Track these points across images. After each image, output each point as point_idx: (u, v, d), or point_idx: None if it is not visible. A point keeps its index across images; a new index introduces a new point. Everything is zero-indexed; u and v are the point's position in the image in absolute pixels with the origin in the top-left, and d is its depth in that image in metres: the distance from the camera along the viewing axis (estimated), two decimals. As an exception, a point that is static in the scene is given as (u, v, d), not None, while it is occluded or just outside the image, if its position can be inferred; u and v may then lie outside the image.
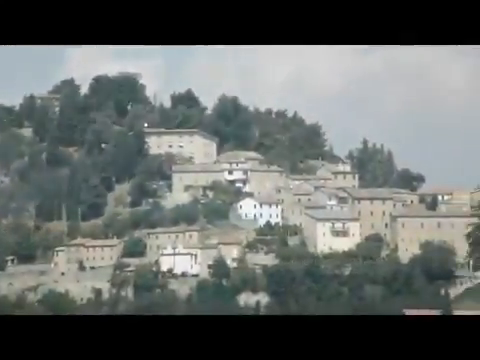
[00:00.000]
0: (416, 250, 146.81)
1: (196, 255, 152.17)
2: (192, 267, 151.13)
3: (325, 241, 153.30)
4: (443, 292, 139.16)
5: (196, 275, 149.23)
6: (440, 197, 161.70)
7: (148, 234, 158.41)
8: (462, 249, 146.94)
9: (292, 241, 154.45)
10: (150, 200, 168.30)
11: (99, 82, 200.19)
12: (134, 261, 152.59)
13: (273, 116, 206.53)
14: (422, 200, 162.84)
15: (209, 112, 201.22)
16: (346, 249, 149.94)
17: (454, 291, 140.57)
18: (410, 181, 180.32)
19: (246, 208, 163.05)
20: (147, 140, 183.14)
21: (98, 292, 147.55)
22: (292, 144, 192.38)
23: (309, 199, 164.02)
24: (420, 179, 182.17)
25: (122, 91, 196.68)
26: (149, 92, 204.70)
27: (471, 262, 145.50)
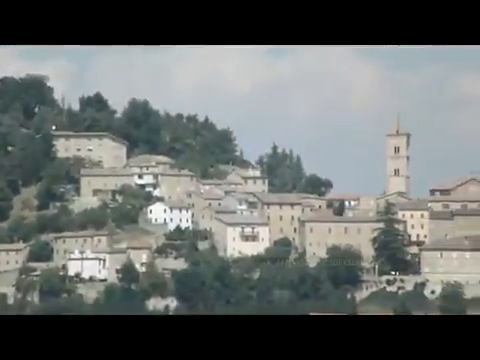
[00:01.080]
0: (323, 254, 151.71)
1: (104, 260, 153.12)
2: (100, 272, 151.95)
3: (235, 245, 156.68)
4: (349, 296, 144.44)
5: (104, 280, 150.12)
6: (347, 202, 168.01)
7: (55, 238, 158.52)
8: (368, 254, 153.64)
9: (202, 246, 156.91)
10: (57, 204, 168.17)
11: (5, 83, 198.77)
12: (40, 265, 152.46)
13: (184, 120, 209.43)
14: (330, 205, 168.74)
15: (119, 115, 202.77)
16: (255, 253, 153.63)
17: (360, 295, 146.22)
18: (318, 186, 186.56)
19: (156, 212, 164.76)
20: (55, 143, 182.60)
21: (3, 296, 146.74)
22: (203, 149, 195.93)
23: (219, 204, 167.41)
24: (328, 184, 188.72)
25: (29, 93, 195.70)
26: (57, 94, 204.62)
27: (376, 267, 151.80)
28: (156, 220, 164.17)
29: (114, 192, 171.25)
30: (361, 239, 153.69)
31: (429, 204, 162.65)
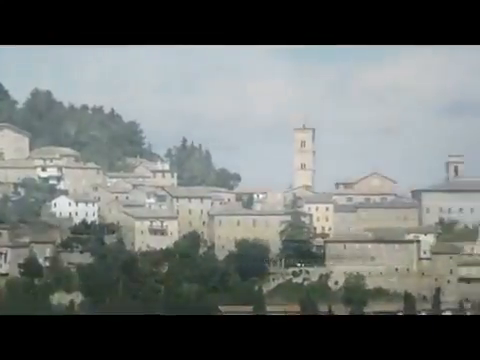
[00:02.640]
0: (232, 247, 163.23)
1: (6, 254, 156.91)
2: (1, 266, 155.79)
3: (143, 239, 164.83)
4: (257, 288, 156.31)
5: (6, 274, 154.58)
6: (255, 196, 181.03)
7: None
8: (275, 246, 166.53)
9: (109, 240, 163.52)
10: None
11: None
12: None
13: (89, 112, 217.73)
14: (238, 199, 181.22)
15: (20, 106, 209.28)
16: (164, 247, 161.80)
17: (267, 287, 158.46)
18: (227, 180, 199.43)
19: (60, 206, 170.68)
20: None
21: None
22: (109, 141, 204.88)
23: (127, 197, 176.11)
24: (236, 178, 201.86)
25: None
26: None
27: (283, 259, 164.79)
28: (61, 214, 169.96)
29: (16, 185, 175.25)
30: (269, 232, 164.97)
31: (334, 197, 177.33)
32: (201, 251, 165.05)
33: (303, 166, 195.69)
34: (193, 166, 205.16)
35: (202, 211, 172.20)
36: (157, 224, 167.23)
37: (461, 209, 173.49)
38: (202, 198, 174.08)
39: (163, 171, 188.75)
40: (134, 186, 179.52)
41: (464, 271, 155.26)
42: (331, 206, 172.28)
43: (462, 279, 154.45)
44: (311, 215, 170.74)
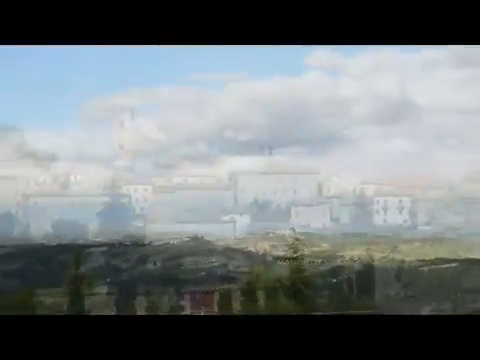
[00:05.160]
0: (49, 229, 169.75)
1: None
2: None
3: None
4: (73, 270, 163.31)
5: None
6: (73, 177, 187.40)
7: None
8: (94, 227, 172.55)
9: None
10: None
11: None
12: None
13: None
14: (55, 180, 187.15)
15: None
16: None
17: (85, 269, 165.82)
18: (43, 160, 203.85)
19: None
20: None
21: None
22: None
23: None
24: (53, 158, 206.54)
25: None
26: None
27: (101, 240, 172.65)
28: None
29: None
30: (86, 213, 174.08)
31: (153, 179, 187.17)
32: (16, 233, 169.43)
33: (121, 147, 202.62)
34: (5, 145, 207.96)
35: (16, 192, 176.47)
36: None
37: (275, 191, 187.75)
38: (16, 178, 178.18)
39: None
40: None
41: (278, 250, 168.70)
42: (150, 187, 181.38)
43: (276, 258, 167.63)
44: (130, 196, 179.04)
